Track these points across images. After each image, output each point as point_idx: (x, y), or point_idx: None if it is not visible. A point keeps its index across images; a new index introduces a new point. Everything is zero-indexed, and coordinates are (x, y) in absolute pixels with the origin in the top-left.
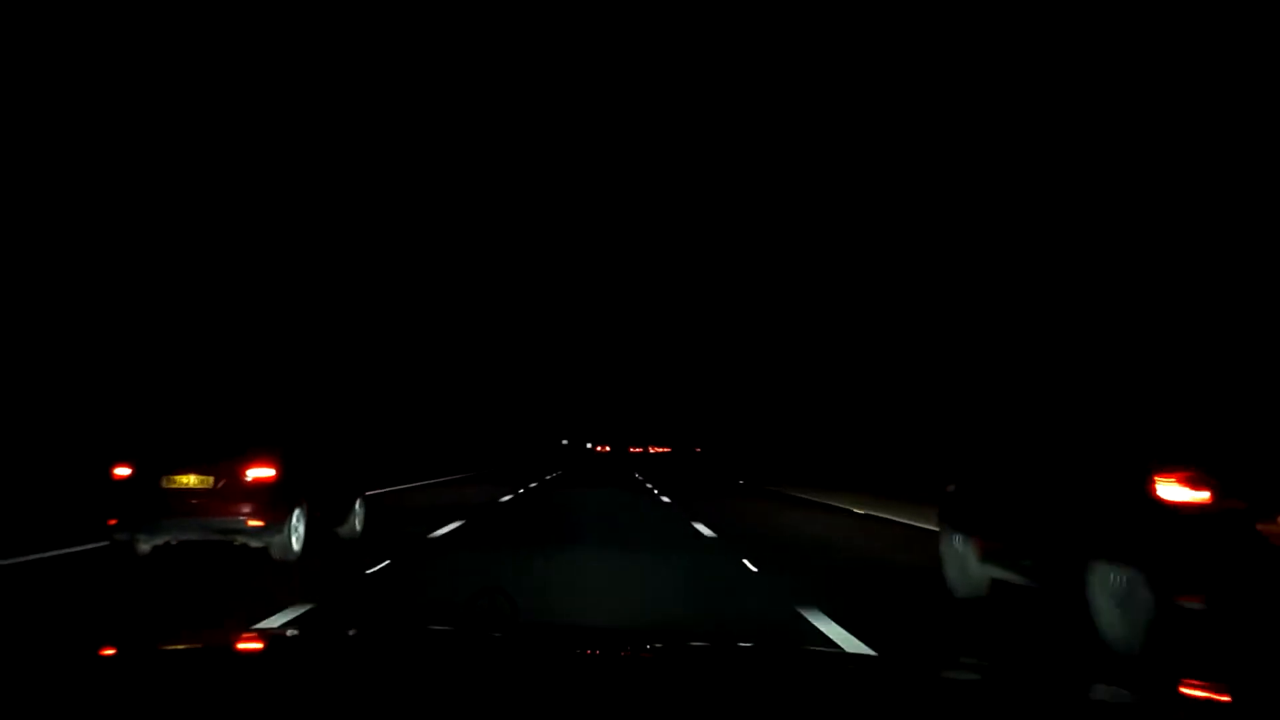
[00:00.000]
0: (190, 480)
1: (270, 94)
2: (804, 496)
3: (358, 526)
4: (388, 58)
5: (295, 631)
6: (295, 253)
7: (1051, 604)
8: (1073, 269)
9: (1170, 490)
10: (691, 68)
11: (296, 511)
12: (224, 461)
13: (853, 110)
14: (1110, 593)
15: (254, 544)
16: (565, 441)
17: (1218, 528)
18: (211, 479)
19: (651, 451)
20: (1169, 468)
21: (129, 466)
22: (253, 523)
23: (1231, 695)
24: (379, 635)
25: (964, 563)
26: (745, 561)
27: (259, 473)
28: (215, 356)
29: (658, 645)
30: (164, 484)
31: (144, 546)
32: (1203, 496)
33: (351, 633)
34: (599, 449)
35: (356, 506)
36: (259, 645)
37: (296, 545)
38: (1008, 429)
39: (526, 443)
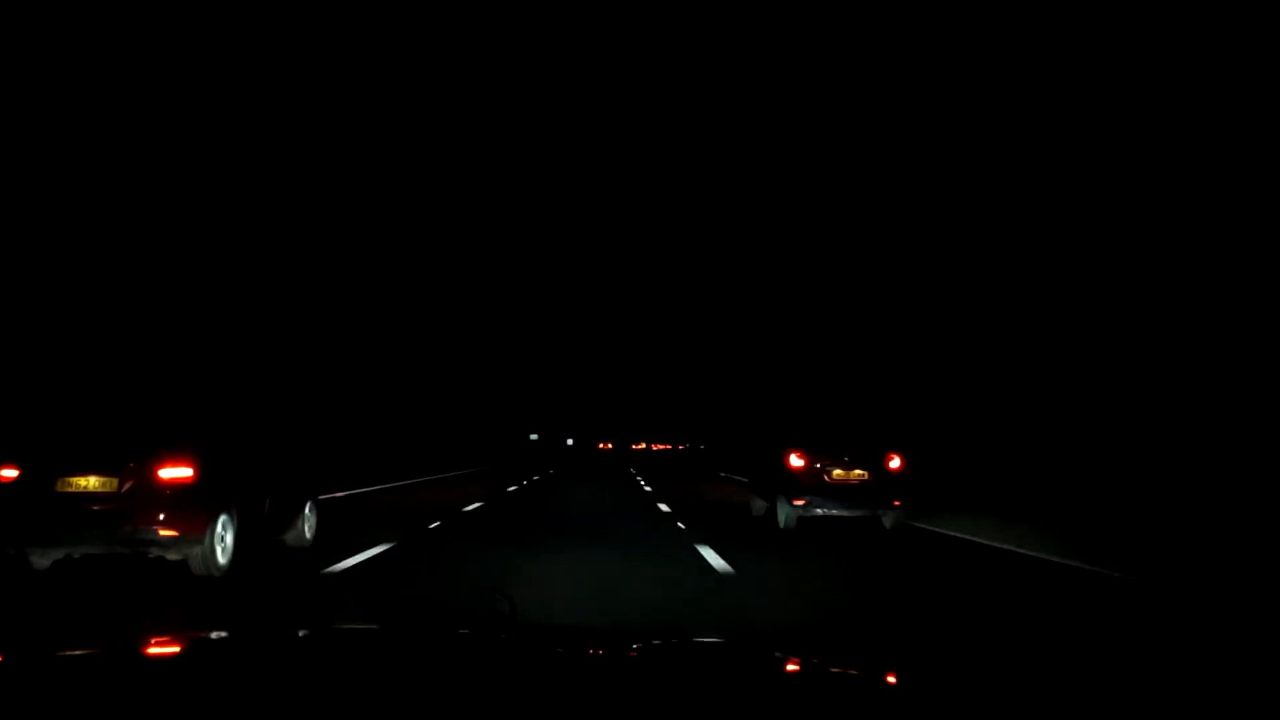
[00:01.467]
0: (90, 483)
1: (252, 78)
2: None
3: (308, 534)
4: (386, 56)
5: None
6: (253, 244)
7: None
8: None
9: (790, 458)
10: (691, 67)
11: (223, 518)
12: (131, 460)
13: (852, 111)
14: (777, 509)
15: (170, 556)
16: (534, 436)
17: (803, 475)
18: (115, 481)
19: (653, 449)
20: (786, 449)
21: (15, 467)
22: (165, 532)
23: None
24: (346, 636)
25: (755, 505)
26: (679, 523)
27: (173, 473)
28: (130, 345)
29: (636, 646)
30: (58, 487)
31: (41, 561)
32: (800, 463)
33: (302, 633)
34: (601, 445)
35: (306, 511)
36: (175, 649)
37: (223, 558)
38: (756, 435)
39: (500, 441)
